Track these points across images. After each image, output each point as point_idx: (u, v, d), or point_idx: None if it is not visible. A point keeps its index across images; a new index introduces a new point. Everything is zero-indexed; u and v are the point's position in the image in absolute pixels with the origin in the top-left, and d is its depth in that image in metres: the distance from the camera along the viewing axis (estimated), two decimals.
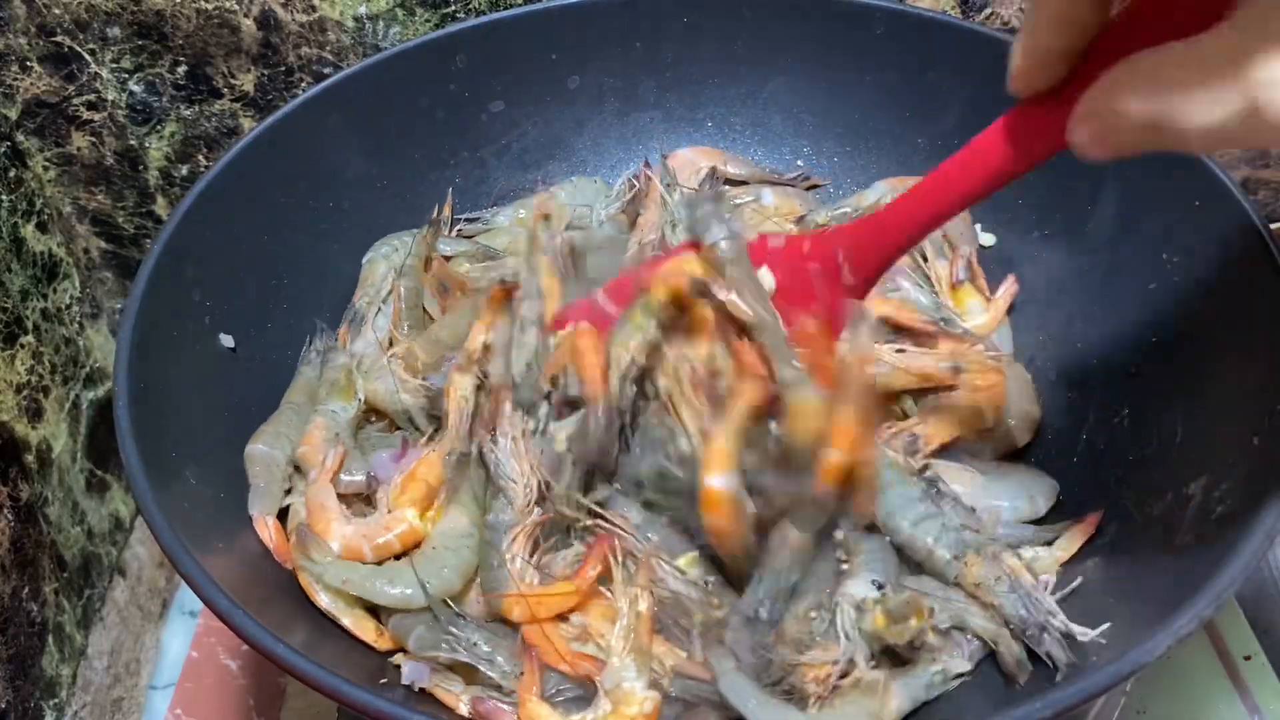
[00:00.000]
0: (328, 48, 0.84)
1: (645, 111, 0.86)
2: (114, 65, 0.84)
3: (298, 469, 0.69)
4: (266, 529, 0.64)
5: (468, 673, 0.58)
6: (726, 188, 0.83)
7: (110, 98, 0.86)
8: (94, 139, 0.88)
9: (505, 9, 0.81)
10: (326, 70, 0.85)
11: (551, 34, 0.82)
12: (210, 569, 0.54)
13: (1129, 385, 0.68)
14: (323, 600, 0.61)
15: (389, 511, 0.64)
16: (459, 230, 0.83)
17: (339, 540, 0.63)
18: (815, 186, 0.84)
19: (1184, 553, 0.56)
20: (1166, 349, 0.67)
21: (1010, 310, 0.77)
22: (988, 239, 0.80)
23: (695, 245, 0.59)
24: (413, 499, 0.63)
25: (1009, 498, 0.65)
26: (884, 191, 0.80)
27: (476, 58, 0.81)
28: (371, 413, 0.72)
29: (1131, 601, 0.57)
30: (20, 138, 0.86)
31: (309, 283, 0.77)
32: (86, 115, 0.86)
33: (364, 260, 0.78)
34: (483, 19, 0.80)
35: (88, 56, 0.83)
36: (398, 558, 0.63)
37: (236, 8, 0.81)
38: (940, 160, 0.76)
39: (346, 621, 0.61)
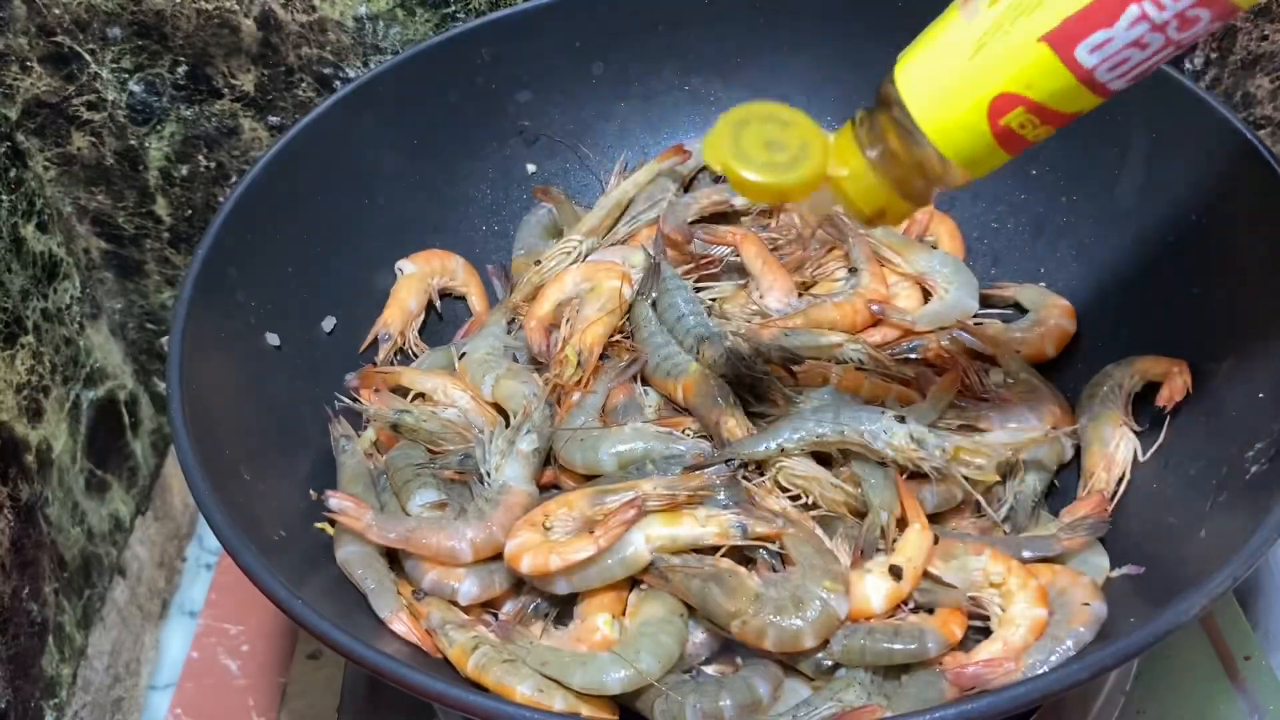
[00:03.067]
0: (328, 48, 0.84)
1: (670, 94, 0.86)
2: (114, 65, 0.84)
3: (393, 557, 0.66)
4: (404, 625, 0.61)
5: None
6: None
7: (110, 98, 0.86)
8: (94, 139, 0.88)
9: (507, 7, 0.81)
10: (326, 70, 0.85)
11: (574, 22, 0.82)
12: (274, 565, 0.54)
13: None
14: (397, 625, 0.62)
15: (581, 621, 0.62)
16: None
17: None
18: None
19: (1218, 512, 0.56)
20: (1198, 308, 0.67)
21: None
22: None
23: None
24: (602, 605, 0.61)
25: None
26: None
27: (501, 50, 0.81)
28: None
29: (1166, 561, 0.57)
30: (20, 138, 0.86)
31: (349, 277, 0.78)
32: (86, 115, 0.86)
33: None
34: (505, 11, 0.81)
35: (88, 56, 0.83)
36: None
37: (236, 8, 0.81)
38: None
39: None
